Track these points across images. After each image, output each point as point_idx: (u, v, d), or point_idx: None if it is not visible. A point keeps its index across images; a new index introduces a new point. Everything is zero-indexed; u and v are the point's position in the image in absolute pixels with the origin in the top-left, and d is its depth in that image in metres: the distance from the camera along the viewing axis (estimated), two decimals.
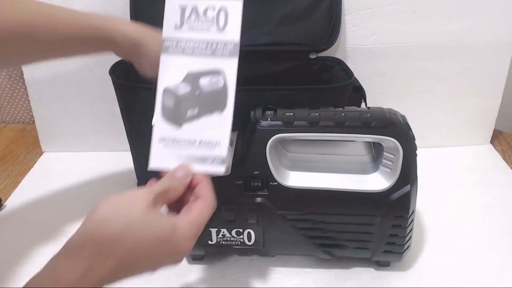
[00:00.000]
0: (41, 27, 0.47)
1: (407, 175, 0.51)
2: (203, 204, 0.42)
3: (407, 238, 0.54)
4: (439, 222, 0.66)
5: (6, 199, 0.74)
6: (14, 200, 0.74)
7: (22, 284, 0.45)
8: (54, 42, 0.49)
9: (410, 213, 0.52)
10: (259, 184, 0.52)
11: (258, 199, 0.52)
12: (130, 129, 0.68)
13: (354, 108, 0.55)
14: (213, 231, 0.55)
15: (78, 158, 0.85)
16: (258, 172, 0.51)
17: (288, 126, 0.50)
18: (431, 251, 0.61)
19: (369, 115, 0.51)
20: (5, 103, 0.95)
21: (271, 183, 0.52)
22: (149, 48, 0.51)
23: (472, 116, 0.83)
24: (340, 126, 0.50)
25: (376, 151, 0.56)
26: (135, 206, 0.38)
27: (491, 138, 0.86)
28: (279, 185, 0.52)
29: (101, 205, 0.38)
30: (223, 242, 0.56)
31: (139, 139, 0.68)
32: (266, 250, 0.56)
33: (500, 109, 0.83)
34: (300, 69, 0.72)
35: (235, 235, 0.55)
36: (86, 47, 0.52)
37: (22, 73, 0.81)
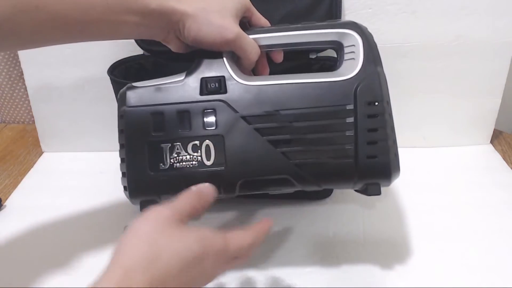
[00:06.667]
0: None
1: (371, 59, 0.51)
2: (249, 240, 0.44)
3: (389, 142, 0.49)
4: (439, 222, 0.66)
5: (6, 199, 0.74)
6: (14, 200, 0.74)
7: (23, 284, 0.46)
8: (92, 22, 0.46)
9: (383, 98, 0.50)
10: (216, 85, 0.49)
11: (216, 102, 0.49)
12: None
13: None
14: (166, 147, 0.48)
15: (78, 158, 0.85)
16: (214, 73, 0.50)
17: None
18: (431, 251, 0.61)
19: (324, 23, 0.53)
20: (5, 103, 0.95)
21: (229, 82, 0.50)
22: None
23: (472, 116, 0.83)
24: (300, 29, 0.53)
25: (339, 58, 0.55)
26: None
27: (491, 138, 0.86)
28: (238, 83, 0.50)
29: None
30: (178, 165, 0.49)
31: None
32: (229, 172, 0.49)
33: (500, 109, 0.83)
34: (300, 69, 0.72)
35: (191, 152, 0.49)
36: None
37: (22, 73, 0.81)
